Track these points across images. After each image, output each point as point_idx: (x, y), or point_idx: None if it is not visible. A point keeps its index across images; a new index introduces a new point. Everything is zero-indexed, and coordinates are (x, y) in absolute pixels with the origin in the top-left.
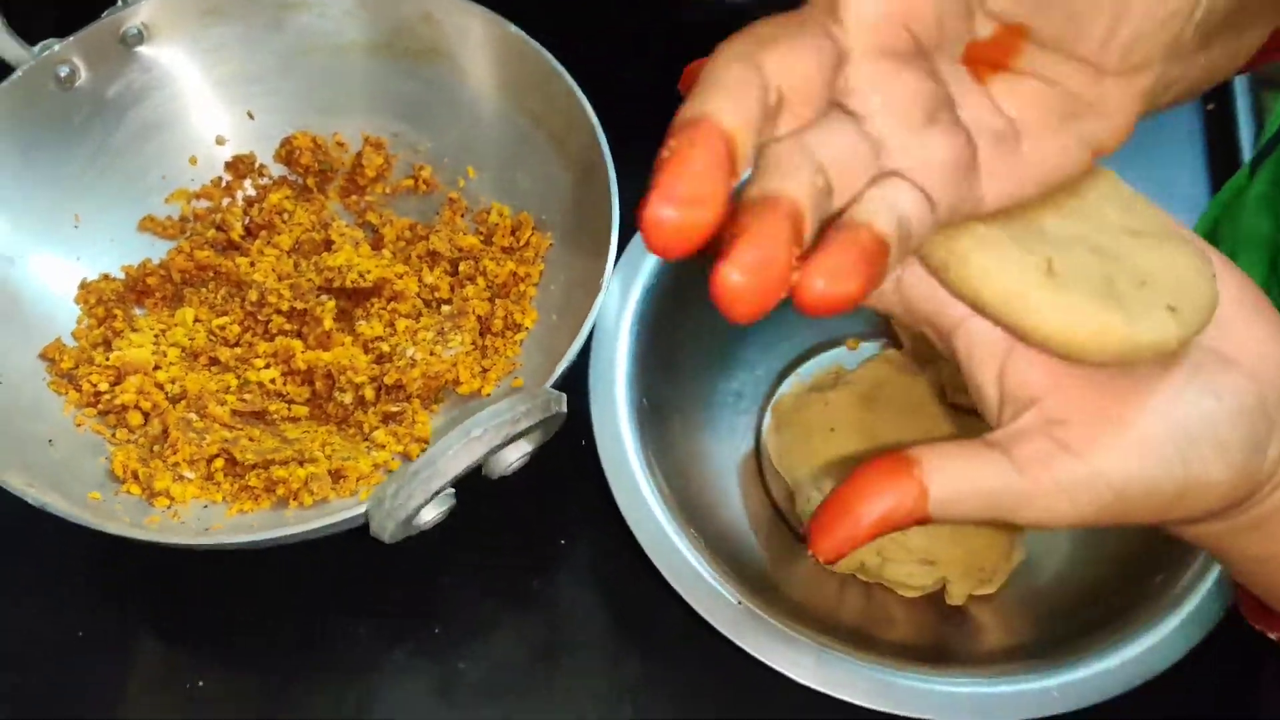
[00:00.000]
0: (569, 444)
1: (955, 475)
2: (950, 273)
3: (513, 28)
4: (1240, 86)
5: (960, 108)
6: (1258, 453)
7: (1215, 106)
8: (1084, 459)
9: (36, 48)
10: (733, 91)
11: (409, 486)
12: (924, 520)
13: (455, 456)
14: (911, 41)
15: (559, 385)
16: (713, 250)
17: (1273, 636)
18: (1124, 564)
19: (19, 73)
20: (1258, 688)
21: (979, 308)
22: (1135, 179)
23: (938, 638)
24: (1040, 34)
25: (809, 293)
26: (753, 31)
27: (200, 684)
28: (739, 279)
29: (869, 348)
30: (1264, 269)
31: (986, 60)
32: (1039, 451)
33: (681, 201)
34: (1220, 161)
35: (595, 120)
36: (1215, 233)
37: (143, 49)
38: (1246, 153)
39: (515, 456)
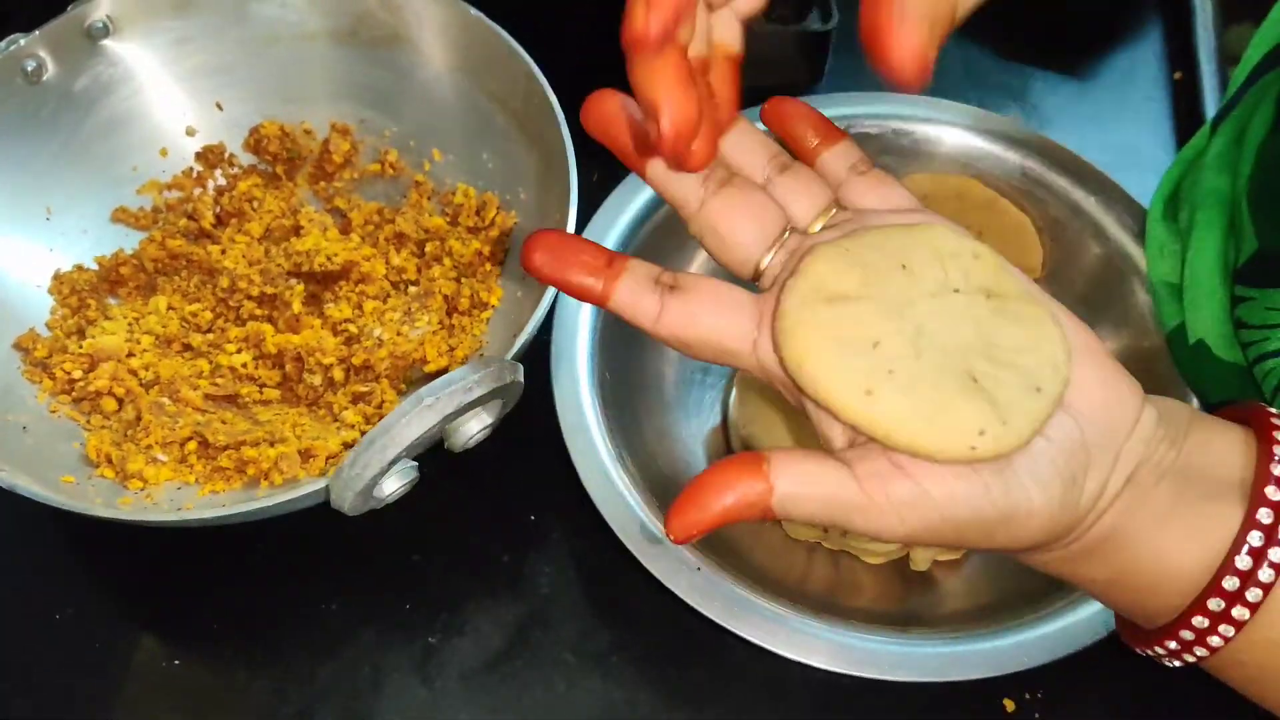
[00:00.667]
0: (536, 419)
1: (800, 478)
2: (801, 380)
3: (473, 11)
4: (1205, 57)
5: None
6: (1073, 487)
7: (1182, 75)
8: (914, 480)
9: (2, 43)
10: None
11: (365, 455)
12: (768, 514)
13: (409, 424)
14: None
15: (524, 359)
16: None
17: (1145, 653)
18: None
19: None
20: None
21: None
22: (1102, 146)
23: (904, 603)
24: None
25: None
26: None
27: (175, 662)
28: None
29: None
30: (1223, 226)
31: None
32: (877, 469)
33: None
34: (1185, 130)
35: (554, 99)
36: (1177, 192)
37: (109, 42)
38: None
39: (476, 428)
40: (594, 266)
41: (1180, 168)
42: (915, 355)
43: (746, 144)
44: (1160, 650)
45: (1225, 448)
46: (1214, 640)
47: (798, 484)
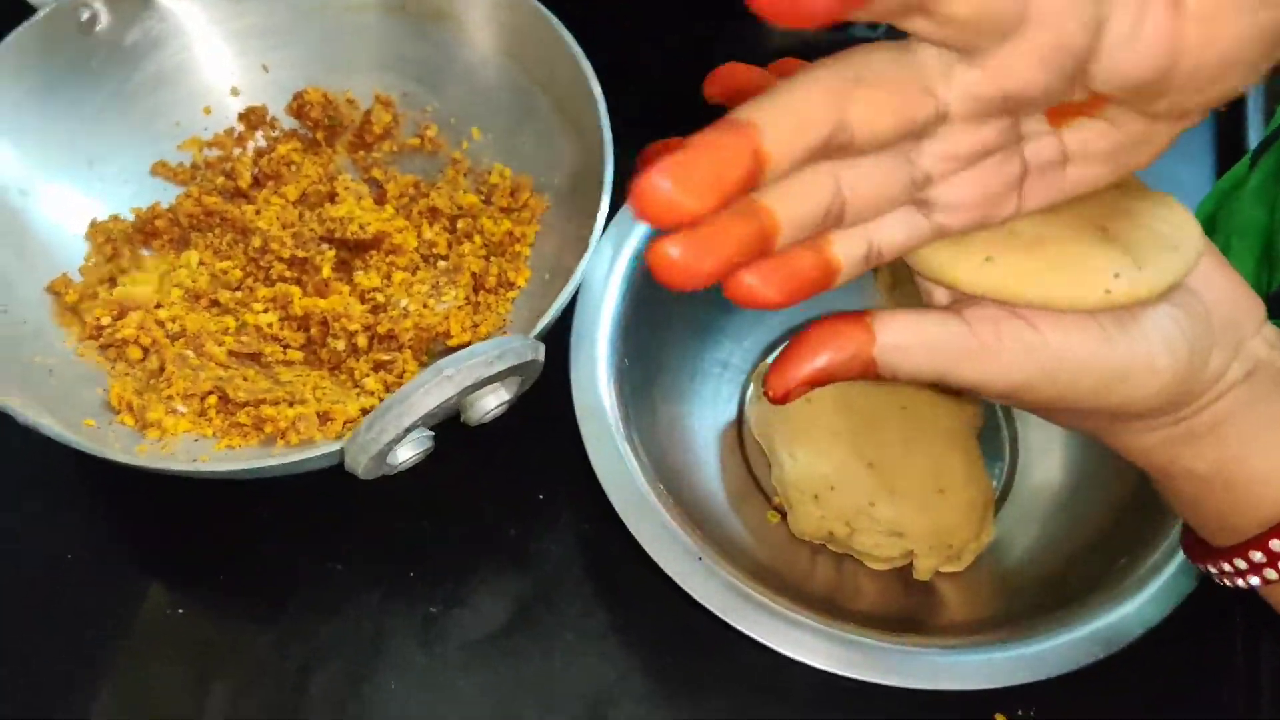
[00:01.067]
0: (553, 399)
1: (904, 326)
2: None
3: None
4: (1251, 89)
5: (1026, 142)
6: (1199, 358)
7: (1227, 107)
8: (1031, 323)
9: None
10: (801, 120)
11: (381, 421)
12: (870, 367)
13: (427, 393)
14: (1006, 108)
15: (546, 340)
16: None
17: (1205, 569)
18: (1091, 547)
19: (41, 14)
20: (1212, 669)
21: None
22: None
23: (903, 610)
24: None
25: (737, 283)
26: (857, 61)
27: (180, 611)
28: (674, 249)
29: None
30: (1256, 256)
31: (1068, 111)
32: (989, 314)
33: (679, 182)
34: (1226, 162)
35: (597, 87)
36: (1213, 221)
37: None
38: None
39: (493, 404)
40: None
41: (1218, 196)
42: (1041, 219)
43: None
44: (1226, 567)
45: None
46: None
47: (903, 333)
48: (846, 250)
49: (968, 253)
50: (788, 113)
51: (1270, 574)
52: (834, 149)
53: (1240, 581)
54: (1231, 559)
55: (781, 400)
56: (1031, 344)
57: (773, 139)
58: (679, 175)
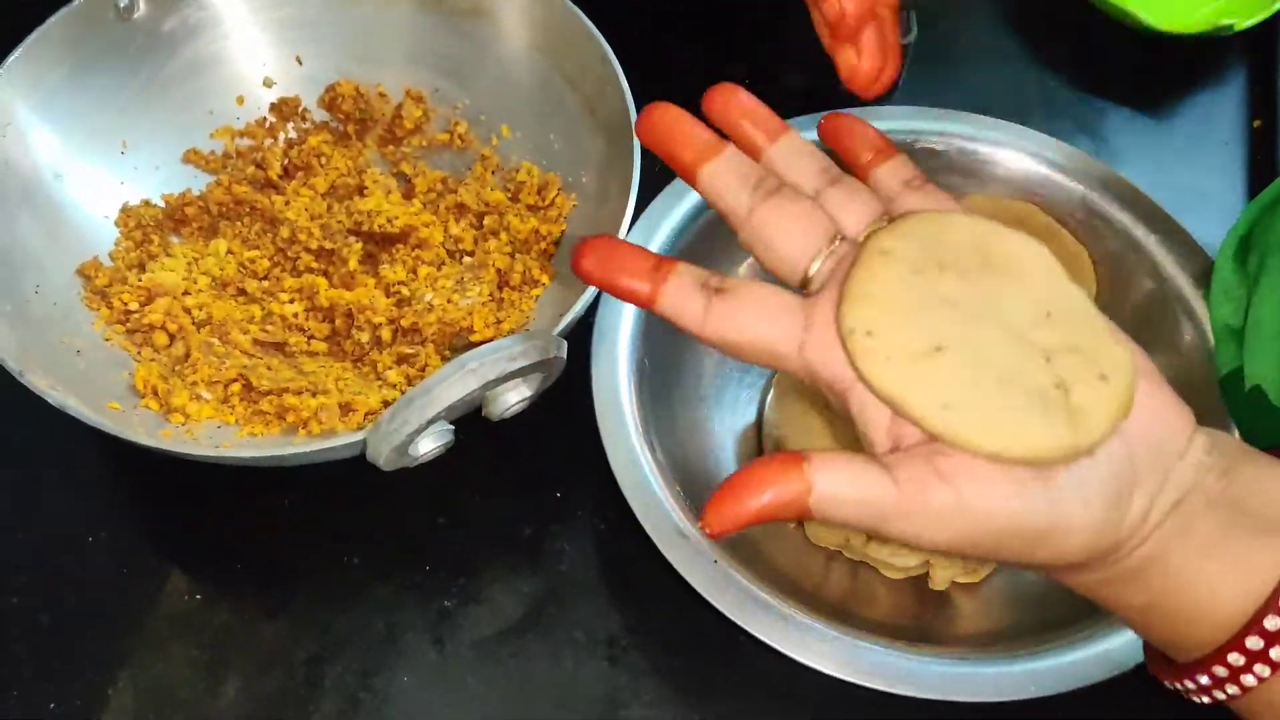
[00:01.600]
0: (573, 398)
1: (839, 479)
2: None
3: None
4: None
5: None
6: (1118, 508)
7: (1262, 123)
8: (956, 488)
9: None
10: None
11: (404, 412)
12: (805, 514)
13: (450, 386)
14: None
15: (568, 338)
16: None
17: (1174, 687)
18: None
19: (80, 0)
20: None
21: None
22: (1171, 186)
23: (917, 619)
24: None
25: None
26: None
27: (198, 597)
28: None
29: None
30: None
31: None
32: (918, 475)
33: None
34: (1259, 178)
35: (626, 87)
36: (1248, 239)
37: None
38: None
39: (515, 399)
40: (641, 271)
41: (1256, 211)
42: (985, 362)
43: (797, 155)
44: (1190, 685)
45: (1276, 486)
46: (1248, 679)
47: (837, 485)
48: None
49: (925, 392)
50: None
51: (1233, 689)
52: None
53: (1207, 698)
54: (1194, 675)
55: (716, 537)
56: (957, 509)
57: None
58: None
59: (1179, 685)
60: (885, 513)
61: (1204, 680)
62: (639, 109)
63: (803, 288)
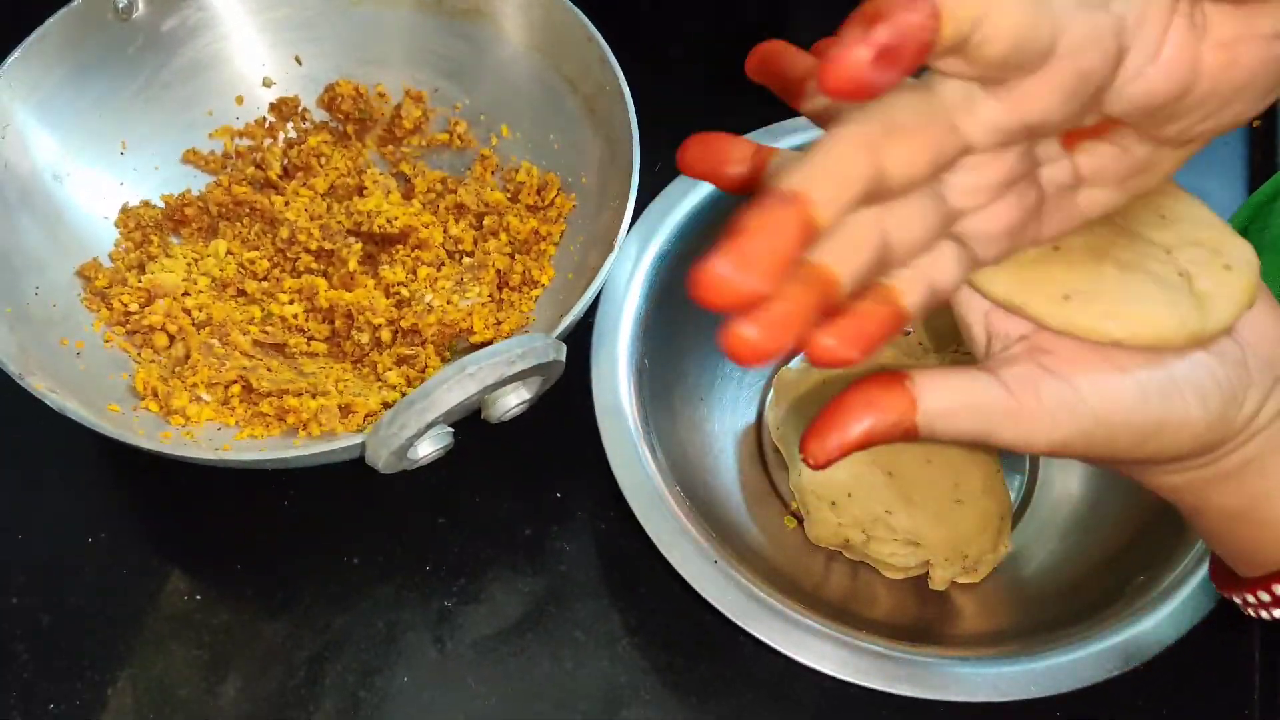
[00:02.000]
0: (573, 399)
1: (944, 390)
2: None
3: None
4: None
5: (1041, 167)
6: (1233, 405)
7: (1261, 124)
8: (1068, 382)
9: None
10: (842, 180)
11: (403, 416)
12: (912, 433)
13: (450, 390)
14: (1026, 135)
15: (567, 341)
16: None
17: (1233, 599)
18: (1109, 562)
19: (79, 0)
20: (1229, 689)
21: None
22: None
23: (917, 619)
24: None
25: (817, 349)
26: (884, 108)
27: (198, 597)
28: (750, 332)
29: None
30: None
31: (1081, 135)
32: (1026, 374)
33: (741, 266)
34: (1258, 178)
35: (626, 88)
36: (1244, 235)
37: None
38: None
39: (514, 402)
40: (743, 155)
41: (1251, 210)
42: (1101, 239)
43: None
44: (1252, 599)
45: None
46: None
47: (943, 397)
48: (912, 297)
49: (1043, 288)
50: (829, 176)
51: None
52: (876, 197)
53: (1265, 613)
54: (1257, 590)
55: (821, 467)
56: (1070, 403)
57: (820, 204)
58: (739, 259)
59: (1241, 598)
60: (998, 416)
61: (1265, 596)
62: (638, 109)
63: None
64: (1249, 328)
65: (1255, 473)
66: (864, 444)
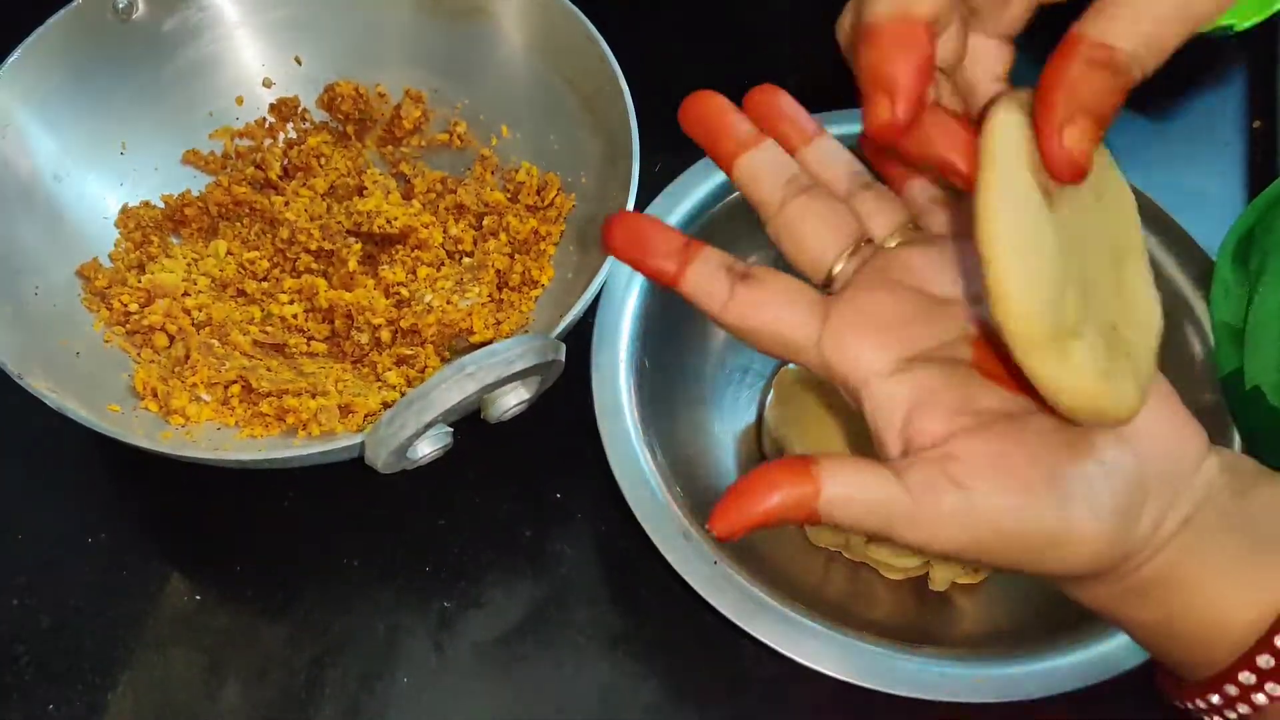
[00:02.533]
0: (572, 399)
1: (848, 482)
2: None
3: None
4: None
5: None
6: (1129, 520)
7: (1262, 124)
8: (966, 492)
9: None
10: None
11: (402, 415)
12: (813, 517)
13: (449, 390)
14: None
15: (567, 340)
16: None
17: (1183, 706)
18: None
19: (79, 1)
20: None
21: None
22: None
23: (918, 620)
24: None
25: None
26: None
27: (197, 598)
28: None
29: None
30: None
31: None
32: (928, 479)
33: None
34: (1259, 180)
35: (625, 88)
36: (1249, 237)
37: None
38: None
39: (513, 402)
40: (669, 250)
41: (1257, 211)
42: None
43: (831, 157)
44: (1201, 704)
45: None
46: (1259, 698)
47: (846, 488)
48: None
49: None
50: None
51: (1244, 708)
52: None
53: (1218, 717)
54: (1205, 695)
55: (724, 539)
56: (965, 513)
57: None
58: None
59: (1190, 705)
60: (894, 517)
61: (1215, 700)
62: (637, 109)
63: (825, 285)
64: (1146, 434)
65: (1168, 588)
66: (766, 523)
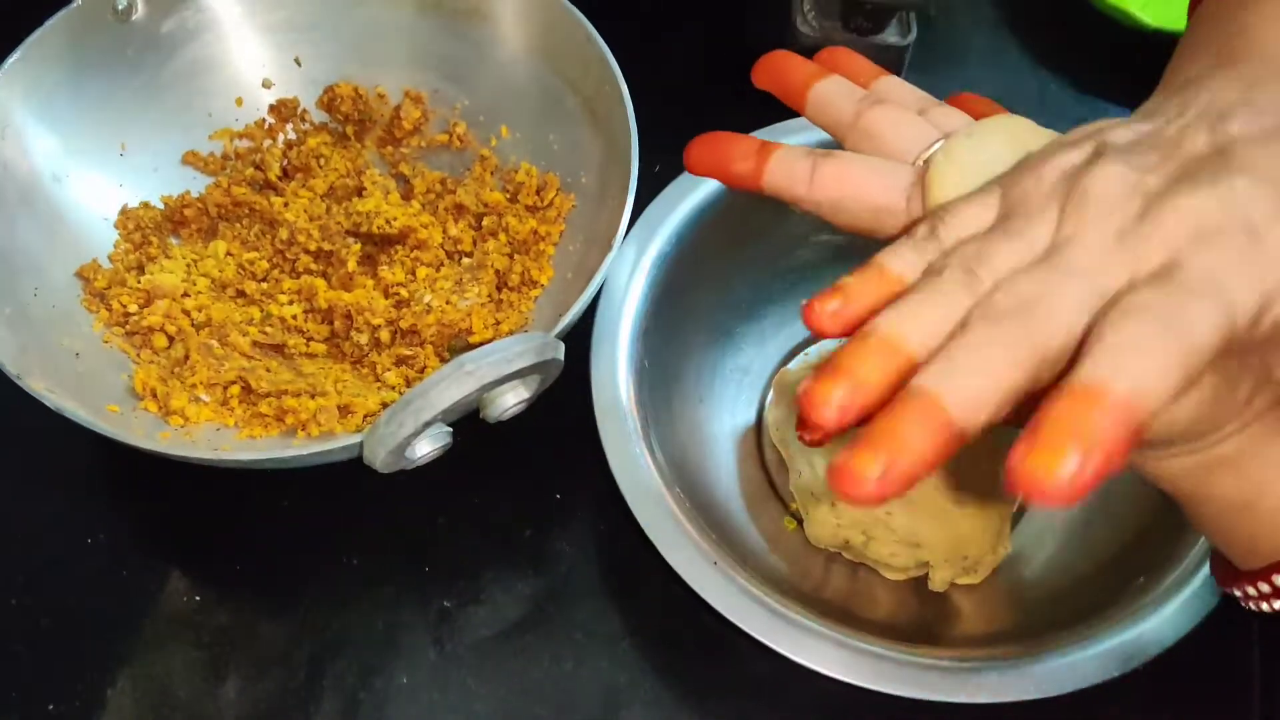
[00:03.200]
0: (572, 399)
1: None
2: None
3: None
4: None
5: None
6: (1225, 388)
7: None
8: None
9: None
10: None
11: (401, 414)
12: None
13: (447, 388)
14: None
15: (566, 341)
16: None
17: (1232, 592)
18: (1109, 564)
19: (78, 2)
20: (1228, 691)
21: None
22: None
23: (917, 621)
24: None
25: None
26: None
27: (197, 598)
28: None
29: None
30: None
31: None
32: None
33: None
34: None
35: (625, 89)
36: None
37: None
38: None
39: (513, 401)
40: (746, 152)
41: None
42: None
43: (897, 86)
44: (1253, 590)
45: None
46: None
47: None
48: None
49: None
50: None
51: None
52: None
53: (1266, 605)
54: (1257, 582)
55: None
56: None
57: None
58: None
59: (1239, 591)
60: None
61: (1264, 588)
62: (637, 110)
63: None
64: None
65: (1251, 461)
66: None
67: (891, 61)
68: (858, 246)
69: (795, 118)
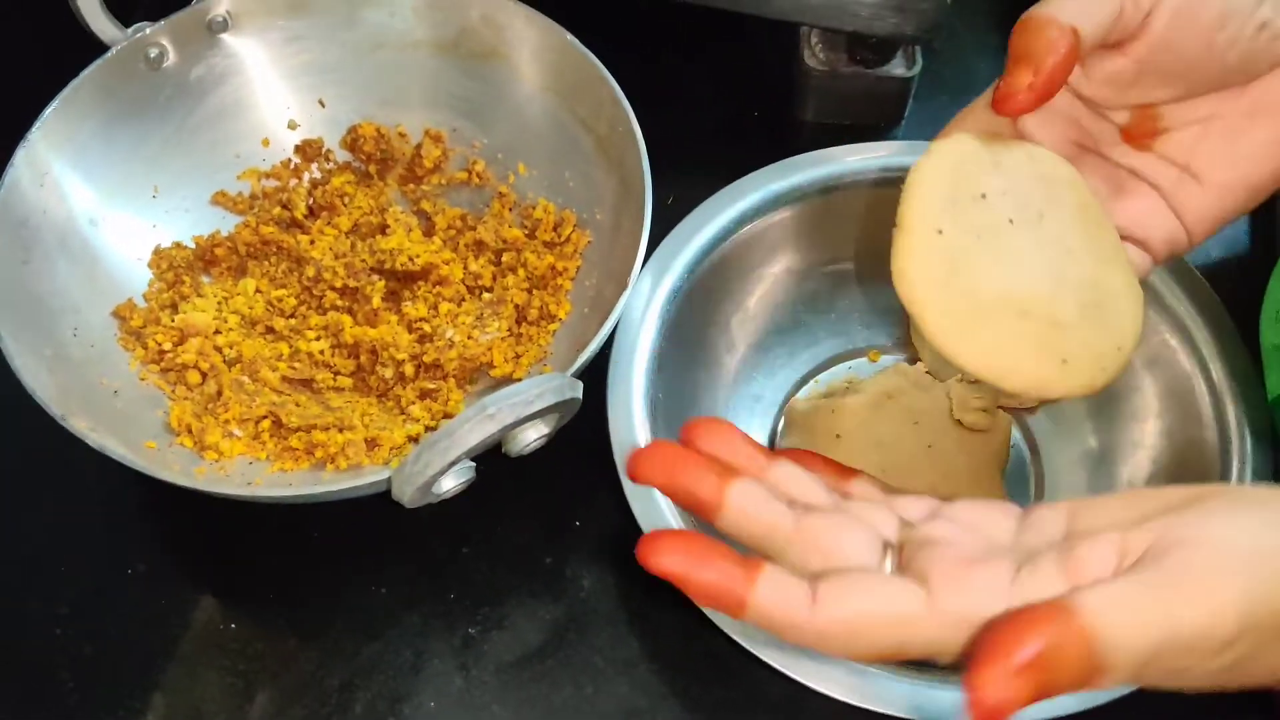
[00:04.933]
0: (589, 431)
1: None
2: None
3: (569, 35)
4: None
5: (1139, 173)
6: None
7: None
8: None
9: (130, 30)
10: None
11: (427, 454)
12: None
13: (471, 430)
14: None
15: (584, 374)
16: None
17: None
18: None
19: (112, 52)
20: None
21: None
22: None
23: None
24: (1160, 99)
25: None
26: None
27: (231, 625)
28: None
29: (889, 360)
30: None
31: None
32: None
33: None
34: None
35: (637, 127)
36: None
37: (226, 36)
38: None
39: (533, 437)
40: (732, 574)
41: None
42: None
43: (798, 479)
44: None
45: None
46: None
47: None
48: None
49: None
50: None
51: None
52: None
53: None
54: None
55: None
56: None
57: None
58: None
59: None
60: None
61: None
62: (649, 147)
63: None
64: None
65: None
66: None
67: (897, 93)
68: (865, 274)
69: (805, 153)
